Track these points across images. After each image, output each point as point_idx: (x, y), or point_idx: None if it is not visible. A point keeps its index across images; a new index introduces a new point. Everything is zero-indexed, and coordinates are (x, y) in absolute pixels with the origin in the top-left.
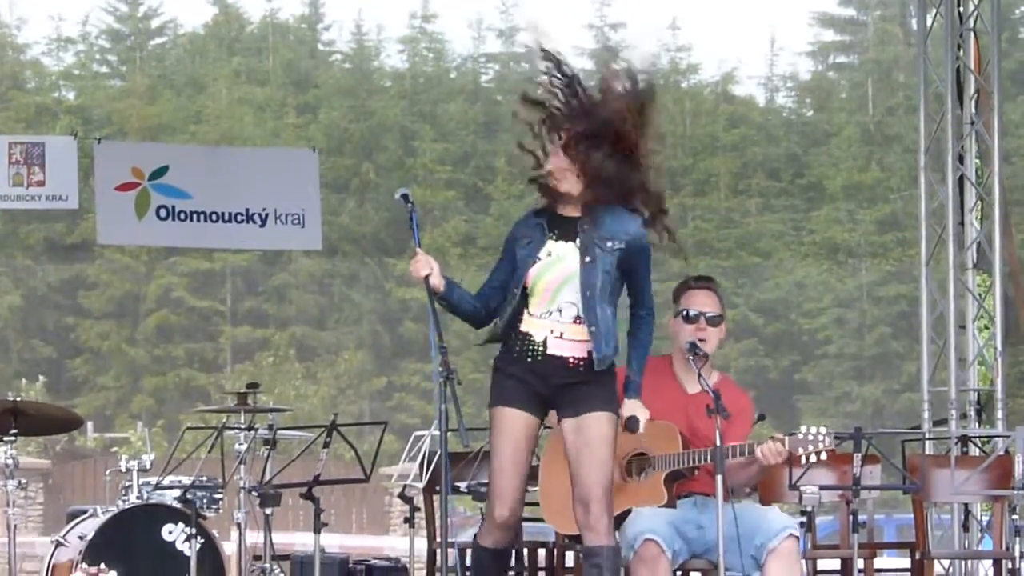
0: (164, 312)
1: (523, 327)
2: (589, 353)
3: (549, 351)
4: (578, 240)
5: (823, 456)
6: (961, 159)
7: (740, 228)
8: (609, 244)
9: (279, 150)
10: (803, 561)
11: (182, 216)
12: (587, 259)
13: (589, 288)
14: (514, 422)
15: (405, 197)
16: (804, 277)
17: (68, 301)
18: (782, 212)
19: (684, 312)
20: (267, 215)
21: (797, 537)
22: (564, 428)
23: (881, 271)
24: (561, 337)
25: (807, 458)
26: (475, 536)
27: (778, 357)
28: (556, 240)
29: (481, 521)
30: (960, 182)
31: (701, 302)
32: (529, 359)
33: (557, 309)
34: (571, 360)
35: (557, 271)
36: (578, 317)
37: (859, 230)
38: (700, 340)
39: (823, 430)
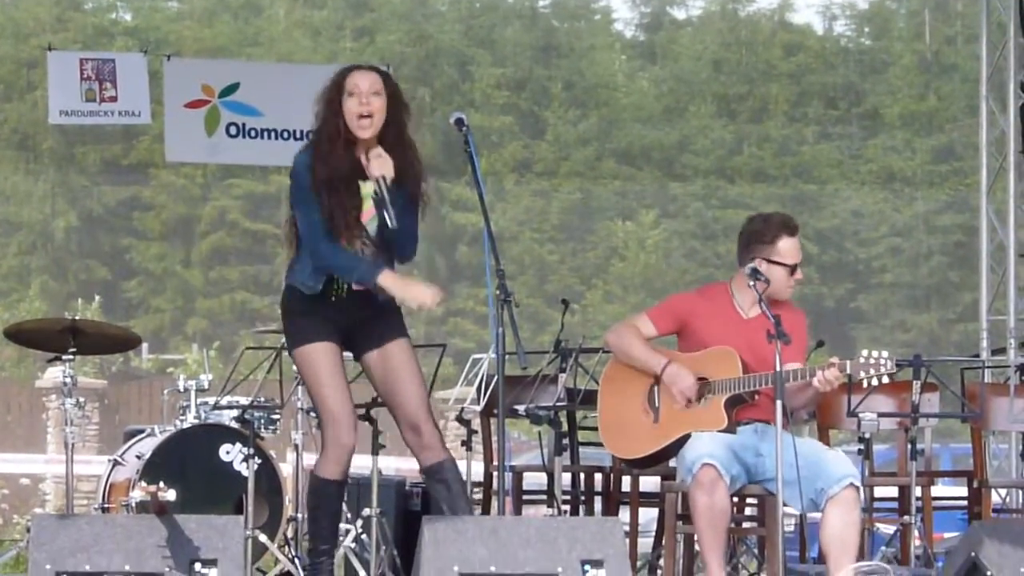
0: (219, 234)
1: None
2: None
3: (353, 287)
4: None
5: (884, 380)
6: (1023, 88)
7: (796, 156)
8: None
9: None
10: (862, 511)
11: (252, 134)
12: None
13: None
14: (334, 352)
15: (460, 122)
16: (860, 206)
17: (123, 223)
18: (839, 140)
19: (783, 264)
20: None
21: (858, 487)
22: (370, 360)
23: (937, 200)
24: None
25: (868, 382)
26: (314, 470)
27: (834, 285)
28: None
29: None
30: (1022, 111)
31: (798, 251)
32: (334, 297)
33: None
34: (368, 293)
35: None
36: None
37: (916, 159)
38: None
39: (884, 354)
